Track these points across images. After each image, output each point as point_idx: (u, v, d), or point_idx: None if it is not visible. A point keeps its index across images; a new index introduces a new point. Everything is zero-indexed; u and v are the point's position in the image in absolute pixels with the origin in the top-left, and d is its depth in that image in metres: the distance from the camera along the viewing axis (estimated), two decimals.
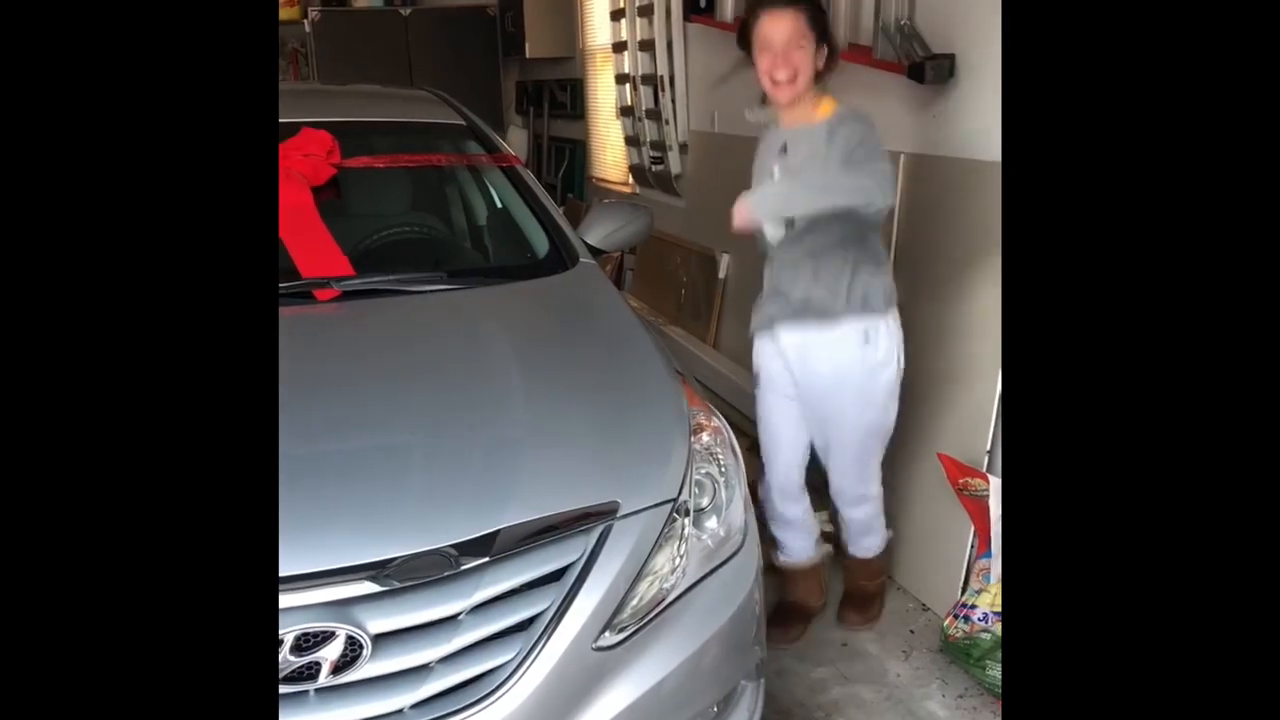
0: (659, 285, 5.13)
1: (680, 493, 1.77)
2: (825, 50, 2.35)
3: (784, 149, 2.43)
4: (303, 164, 2.51)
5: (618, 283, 5.62)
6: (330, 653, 1.45)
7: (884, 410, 2.54)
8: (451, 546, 1.52)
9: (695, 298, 4.73)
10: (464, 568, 1.52)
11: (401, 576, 1.49)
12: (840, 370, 2.46)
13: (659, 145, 5.15)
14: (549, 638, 1.55)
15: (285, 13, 7.37)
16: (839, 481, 2.68)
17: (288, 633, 1.43)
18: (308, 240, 2.39)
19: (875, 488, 2.71)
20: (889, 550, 2.89)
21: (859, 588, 2.90)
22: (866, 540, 2.82)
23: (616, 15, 5.43)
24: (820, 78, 2.37)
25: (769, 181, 2.44)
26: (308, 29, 7.13)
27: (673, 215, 4.97)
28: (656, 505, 1.72)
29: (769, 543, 2.71)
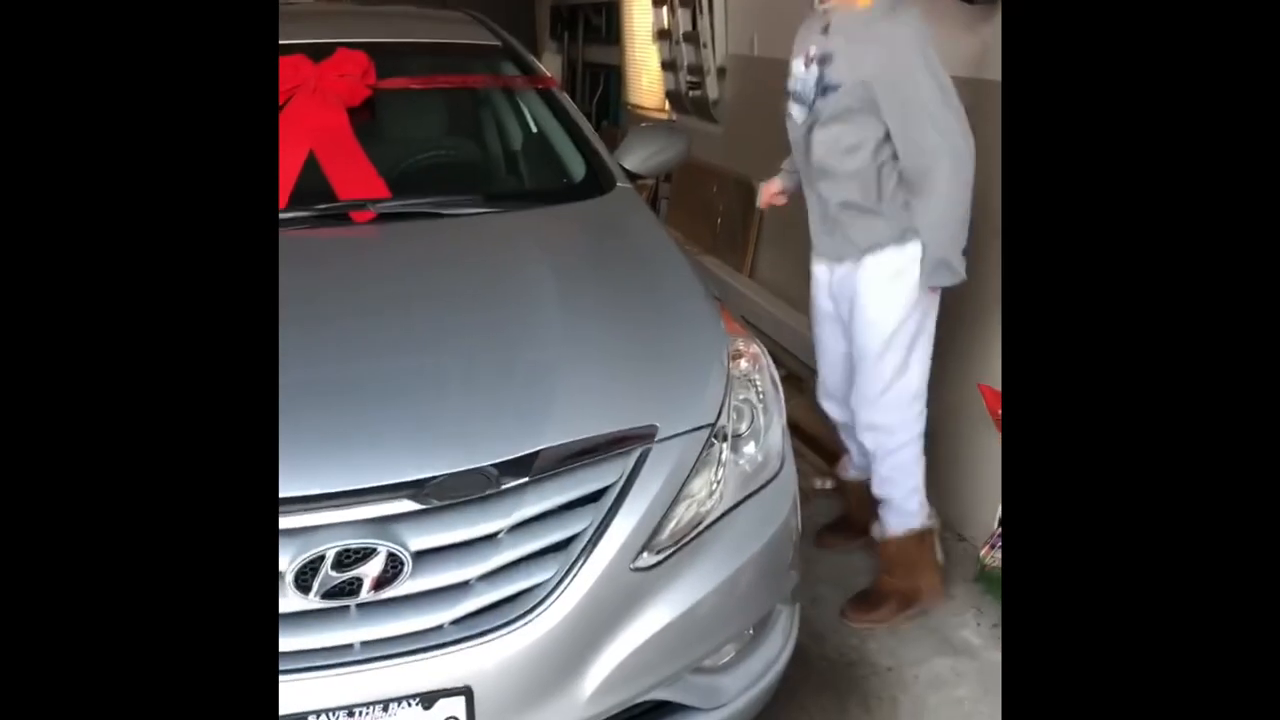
0: (695, 214, 5.07)
1: (718, 418, 1.76)
2: None
3: (825, 29, 2.37)
4: (338, 84, 2.49)
5: (653, 212, 5.57)
6: (371, 569, 1.46)
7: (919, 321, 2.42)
8: (491, 466, 1.53)
9: (731, 227, 4.68)
10: (503, 487, 1.53)
11: (441, 495, 1.49)
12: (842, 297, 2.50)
13: (696, 70, 5.06)
14: (587, 558, 1.56)
15: None
16: (854, 398, 2.57)
17: (330, 548, 1.44)
18: (344, 162, 2.38)
19: (884, 418, 2.49)
20: (916, 551, 2.57)
21: (877, 578, 2.65)
22: (883, 512, 2.59)
23: None
24: None
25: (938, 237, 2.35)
26: None
27: (710, 142, 4.89)
28: (694, 430, 1.71)
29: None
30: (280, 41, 2.54)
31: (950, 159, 2.25)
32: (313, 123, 2.42)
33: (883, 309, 2.40)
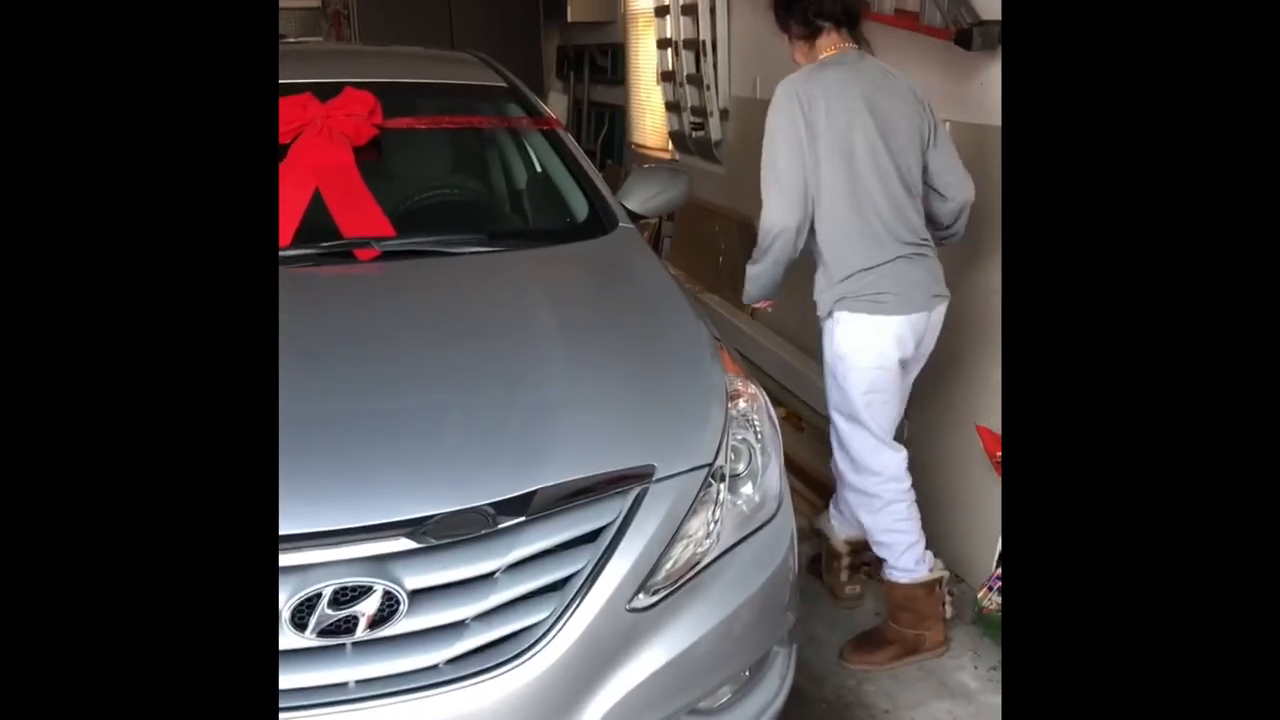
0: (697, 253, 5.11)
1: (716, 458, 1.77)
2: (793, 32, 2.45)
3: None
4: (345, 123, 2.52)
5: (655, 250, 5.61)
6: (367, 607, 1.46)
7: (842, 396, 2.48)
8: (489, 505, 1.53)
9: (733, 266, 4.70)
10: (500, 526, 1.54)
11: (438, 534, 1.50)
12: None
13: (700, 111, 5.11)
14: (583, 598, 1.56)
15: None
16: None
17: (326, 586, 1.45)
18: (349, 200, 2.41)
19: (846, 470, 2.53)
20: (924, 601, 2.53)
21: (882, 622, 2.63)
22: (883, 555, 2.56)
23: None
24: (806, 54, 2.45)
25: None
26: None
27: (712, 182, 4.94)
28: (692, 470, 1.72)
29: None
30: (288, 80, 2.58)
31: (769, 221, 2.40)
32: (319, 161, 2.45)
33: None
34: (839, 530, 2.79)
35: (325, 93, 2.56)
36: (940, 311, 2.46)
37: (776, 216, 2.35)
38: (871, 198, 2.32)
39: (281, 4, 7.41)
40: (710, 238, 4.93)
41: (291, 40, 7.12)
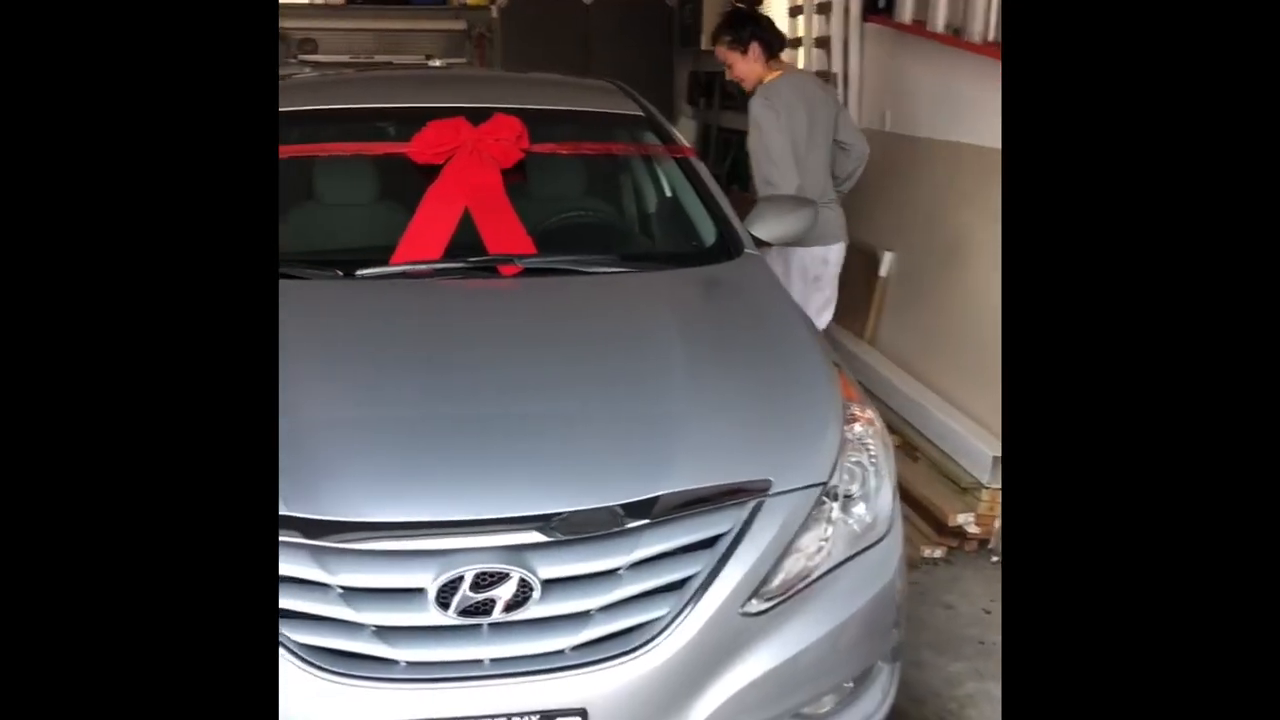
0: None
1: (830, 477, 1.86)
2: (752, 50, 3.73)
3: None
4: (494, 147, 2.69)
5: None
6: (504, 592, 1.60)
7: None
8: (618, 506, 1.66)
9: (855, 293, 4.76)
10: (626, 527, 1.66)
11: (567, 530, 1.63)
12: None
13: None
14: (699, 599, 1.67)
15: None
16: None
17: (468, 570, 1.59)
18: (496, 219, 2.58)
19: None
20: None
21: None
22: None
23: (795, 11, 5.49)
24: (767, 64, 3.75)
25: None
26: (494, 14, 7.44)
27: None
28: (807, 487, 1.82)
29: None
30: (444, 104, 2.79)
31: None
32: (470, 181, 2.63)
33: None
34: None
35: (477, 117, 2.74)
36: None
37: (786, 184, 3.52)
38: (814, 167, 3.70)
39: (428, 27, 7.78)
40: None
41: (439, 64, 7.45)
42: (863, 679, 1.95)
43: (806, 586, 1.79)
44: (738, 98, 6.89)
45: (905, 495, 3.07)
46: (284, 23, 7.22)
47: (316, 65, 7.20)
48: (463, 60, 7.70)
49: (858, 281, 4.71)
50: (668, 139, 3.09)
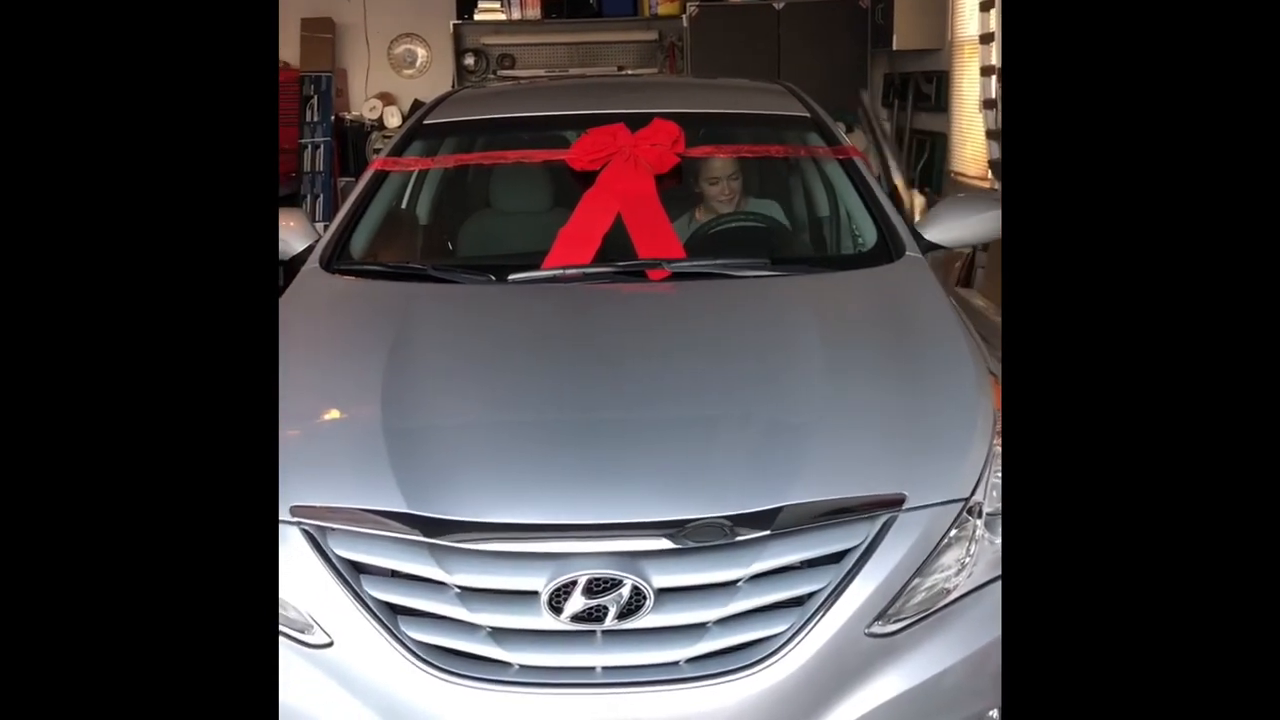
0: None
1: (974, 493, 1.74)
2: None
3: None
4: (650, 153, 2.68)
5: (967, 279, 5.45)
6: (617, 599, 1.58)
7: None
8: (735, 516, 1.61)
9: None
10: (745, 538, 1.61)
11: (682, 537, 1.59)
12: None
13: None
14: (822, 616, 1.60)
15: (664, 8, 7.73)
16: None
17: (581, 575, 1.58)
18: (647, 224, 2.57)
19: None
20: None
21: None
22: None
23: (986, 6, 5.26)
24: None
25: None
26: (685, 24, 7.47)
27: None
28: (946, 503, 1.71)
29: None
30: (605, 110, 2.81)
31: None
32: (624, 187, 2.63)
33: None
34: None
35: (636, 123, 2.75)
36: None
37: None
38: None
39: (621, 38, 7.90)
40: None
41: (630, 73, 7.56)
42: None
43: (944, 608, 1.69)
44: (931, 99, 6.71)
45: None
46: (484, 39, 7.50)
47: (515, 80, 7.44)
48: (654, 70, 7.77)
49: None
50: (832, 140, 3.00)
